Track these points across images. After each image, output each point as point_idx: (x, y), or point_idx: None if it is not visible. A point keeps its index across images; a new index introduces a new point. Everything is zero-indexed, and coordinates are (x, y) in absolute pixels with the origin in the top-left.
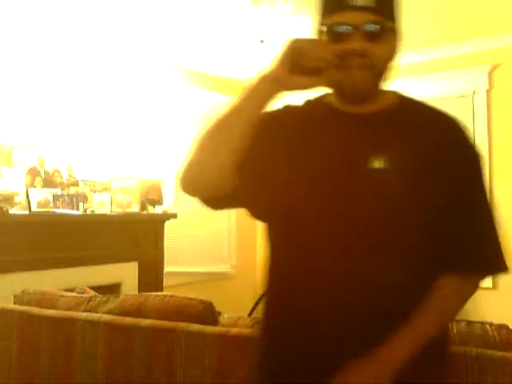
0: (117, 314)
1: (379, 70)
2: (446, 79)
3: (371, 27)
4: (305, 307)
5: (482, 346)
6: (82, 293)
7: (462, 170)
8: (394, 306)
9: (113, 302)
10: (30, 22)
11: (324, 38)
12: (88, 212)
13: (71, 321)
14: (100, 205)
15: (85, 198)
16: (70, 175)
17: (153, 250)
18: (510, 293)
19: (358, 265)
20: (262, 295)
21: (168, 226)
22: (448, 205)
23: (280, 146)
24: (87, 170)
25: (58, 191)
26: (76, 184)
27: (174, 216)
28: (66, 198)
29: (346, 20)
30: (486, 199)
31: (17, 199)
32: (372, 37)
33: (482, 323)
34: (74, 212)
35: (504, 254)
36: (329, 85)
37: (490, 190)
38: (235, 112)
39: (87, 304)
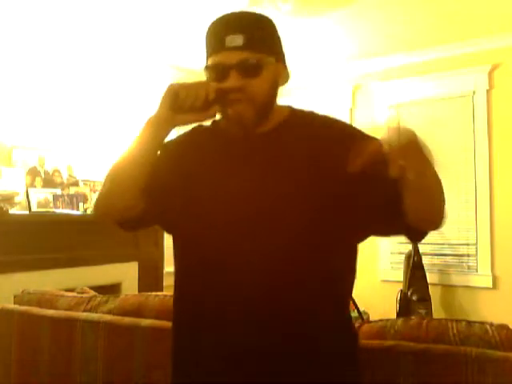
0: (117, 314)
1: (260, 101)
2: (446, 79)
3: (244, 64)
4: (215, 313)
5: (482, 346)
6: (82, 293)
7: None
8: (304, 307)
9: (113, 302)
10: (30, 22)
11: (208, 77)
12: (88, 212)
13: (71, 321)
14: None
15: (85, 198)
16: (70, 175)
17: (153, 249)
18: (510, 293)
19: (267, 266)
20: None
21: None
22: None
23: (182, 169)
24: (87, 169)
25: (58, 191)
26: (76, 184)
27: None
28: (66, 197)
29: (221, 60)
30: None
31: (17, 199)
32: (247, 73)
33: (482, 323)
34: (74, 212)
35: None
36: (210, 119)
37: (490, 190)
38: (133, 151)
39: (87, 304)
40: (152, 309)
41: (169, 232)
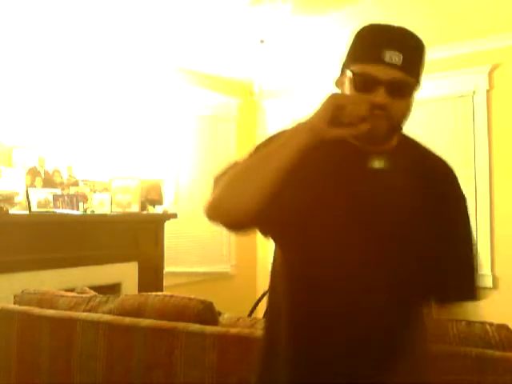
0: (117, 314)
1: (396, 121)
2: (446, 79)
3: (396, 84)
4: (324, 319)
5: (482, 346)
6: (82, 293)
7: (452, 211)
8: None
9: (113, 302)
10: (31, 22)
11: (349, 81)
12: (88, 212)
13: (71, 321)
14: (100, 205)
15: (85, 198)
16: (70, 175)
17: (153, 250)
18: (510, 293)
19: (373, 282)
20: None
21: (168, 225)
22: (438, 239)
23: (306, 178)
24: (87, 169)
25: (58, 191)
26: (76, 184)
27: (174, 216)
28: (65, 198)
29: (376, 74)
30: (471, 237)
31: (17, 199)
32: (395, 93)
33: (482, 323)
34: (74, 212)
35: (477, 286)
36: (357, 135)
37: (490, 190)
38: (270, 156)
39: (87, 304)
40: (152, 309)
41: (273, 237)
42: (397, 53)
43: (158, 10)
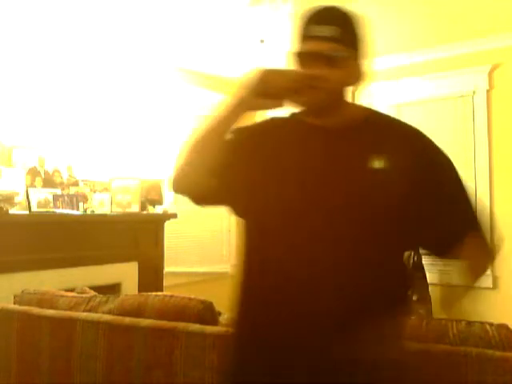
0: (117, 314)
1: (337, 91)
2: (446, 79)
3: (332, 55)
4: (284, 301)
5: (482, 346)
6: (82, 293)
7: (437, 166)
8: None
9: (113, 302)
10: (31, 22)
11: (294, 61)
12: (88, 212)
13: (71, 321)
14: (100, 205)
15: (85, 198)
16: (70, 175)
17: (153, 250)
18: (510, 293)
19: (337, 262)
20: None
21: (168, 225)
22: (434, 195)
23: (260, 154)
24: (87, 169)
25: (58, 191)
26: (76, 184)
27: (174, 216)
28: (65, 198)
29: (312, 48)
30: (462, 183)
31: (17, 199)
32: (333, 63)
33: (482, 323)
34: (74, 212)
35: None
36: (290, 106)
37: (490, 190)
38: (210, 128)
39: (87, 304)
40: (152, 309)
41: (239, 216)
42: (327, 26)
43: (158, 11)
